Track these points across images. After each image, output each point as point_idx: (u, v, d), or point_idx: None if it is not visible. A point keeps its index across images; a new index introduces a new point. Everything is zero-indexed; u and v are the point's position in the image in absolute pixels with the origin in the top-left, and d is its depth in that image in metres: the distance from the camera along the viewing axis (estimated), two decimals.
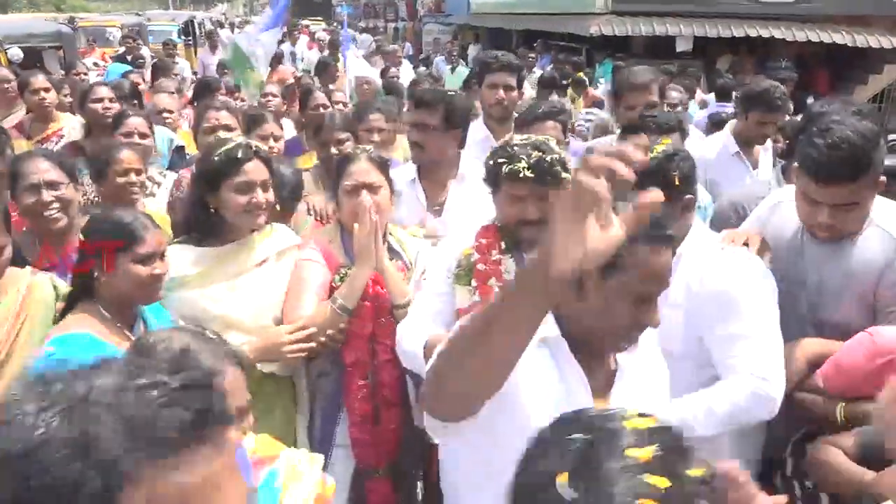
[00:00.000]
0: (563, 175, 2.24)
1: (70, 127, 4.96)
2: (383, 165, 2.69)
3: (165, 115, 4.99)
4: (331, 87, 6.87)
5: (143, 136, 3.75)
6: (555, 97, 9.26)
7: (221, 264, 2.51)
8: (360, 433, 2.57)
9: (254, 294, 2.52)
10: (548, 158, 2.24)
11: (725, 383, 2.09)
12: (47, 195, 2.72)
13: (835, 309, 2.27)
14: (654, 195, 1.07)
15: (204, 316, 2.41)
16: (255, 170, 2.49)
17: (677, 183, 2.14)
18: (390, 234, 2.72)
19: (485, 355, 1.19)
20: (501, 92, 3.86)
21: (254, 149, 2.54)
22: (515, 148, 2.29)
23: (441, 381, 1.29)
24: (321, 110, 4.76)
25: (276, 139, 3.95)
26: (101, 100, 4.48)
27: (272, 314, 2.54)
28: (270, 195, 2.55)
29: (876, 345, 2.01)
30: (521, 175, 2.23)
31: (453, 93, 3.38)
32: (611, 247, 1.05)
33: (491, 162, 2.33)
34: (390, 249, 2.67)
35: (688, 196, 2.20)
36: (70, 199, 2.78)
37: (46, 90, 4.96)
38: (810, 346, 2.22)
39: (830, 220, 2.18)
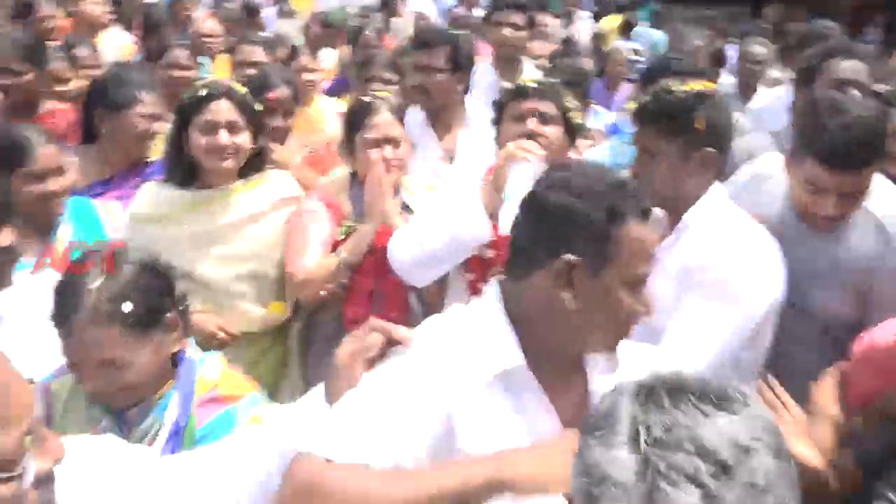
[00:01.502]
0: (568, 105, 2.35)
1: None
2: (402, 117, 2.58)
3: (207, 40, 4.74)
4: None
5: (185, 68, 3.57)
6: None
7: (189, 211, 2.44)
8: None
9: (224, 248, 2.46)
10: (553, 81, 2.40)
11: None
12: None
13: (820, 297, 2.13)
14: None
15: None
16: (219, 110, 2.39)
17: (699, 128, 1.92)
18: (404, 188, 2.57)
19: None
20: (507, 31, 3.77)
21: (223, 89, 2.44)
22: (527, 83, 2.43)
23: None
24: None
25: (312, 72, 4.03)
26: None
27: (246, 267, 2.48)
28: (241, 138, 2.43)
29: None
30: (525, 88, 2.36)
31: (457, 32, 3.24)
32: None
33: (500, 98, 2.46)
34: (403, 205, 2.54)
35: (709, 149, 1.95)
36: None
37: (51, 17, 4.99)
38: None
39: (837, 211, 2.04)
